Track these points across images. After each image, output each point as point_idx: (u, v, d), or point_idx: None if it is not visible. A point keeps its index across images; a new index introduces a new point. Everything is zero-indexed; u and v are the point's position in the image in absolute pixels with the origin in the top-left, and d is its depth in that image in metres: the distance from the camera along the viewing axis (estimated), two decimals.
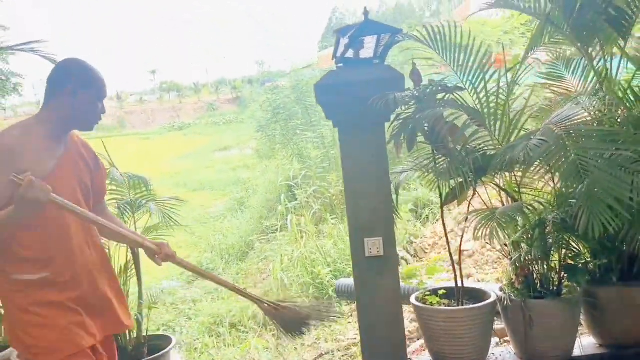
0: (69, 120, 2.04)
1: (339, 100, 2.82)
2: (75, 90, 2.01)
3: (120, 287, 2.29)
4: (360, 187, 2.93)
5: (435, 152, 2.90)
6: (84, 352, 1.99)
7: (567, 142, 2.27)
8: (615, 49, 3.07)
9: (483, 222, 2.60)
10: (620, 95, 2.94)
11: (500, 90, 2.95)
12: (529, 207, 2.79)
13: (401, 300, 3.05)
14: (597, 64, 3.07)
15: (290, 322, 2.37)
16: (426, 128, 2.84)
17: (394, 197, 3.02)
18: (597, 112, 2.77)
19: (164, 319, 7.32)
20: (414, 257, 8.09)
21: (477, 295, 3.09)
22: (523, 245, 2.89)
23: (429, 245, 7.45)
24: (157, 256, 2.16)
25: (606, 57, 3.02)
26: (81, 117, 2.05)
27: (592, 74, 3.09)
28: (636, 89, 3.09)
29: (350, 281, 5.49)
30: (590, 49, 3.04)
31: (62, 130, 2.05)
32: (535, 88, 3.19)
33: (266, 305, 2.36)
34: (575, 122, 2.35)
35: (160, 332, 4.02)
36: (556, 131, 2.33)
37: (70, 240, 2.01)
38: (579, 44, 3.04)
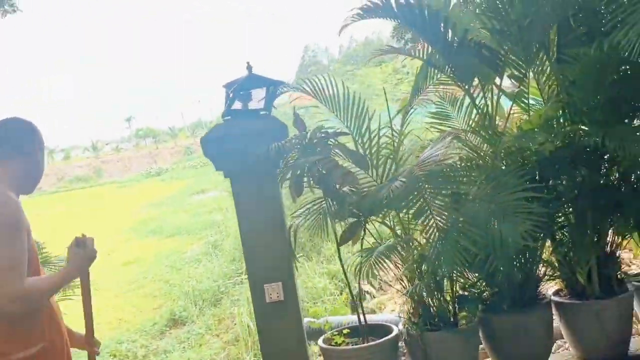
0: (29, 179, 2.03)
1: (226, 152, 2.94)
2: (38, 150, 2.03)
3: None
4: (256, 234, 3.04)
5: (325, 194, 3.01)
6: None
7: (421, 183, 2.39)
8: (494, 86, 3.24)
9: (364, 260, 2.69)
10: (499, 130, 3.09)
11: (388, 133, 3.10)
12: (411, 243, 2.89)
13: (307, 342, 3.12)
14: (480, 102, 3.23)
15: None
16: (316, 173, 2.96)
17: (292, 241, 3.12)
18: (475, 149, 2.93)
19: None
20: (379, 290, 8.16)
21: (384, 331, 3.15)
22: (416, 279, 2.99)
23: (392, 277, 7.54)
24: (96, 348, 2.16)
25: (486, 94, 3.19)
26: (38, 176, 2.07)
27: (474, 111, 3.24)
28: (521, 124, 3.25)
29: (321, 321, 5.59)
30: (471, 88, 3.21)
31: (20, 191, 2.00)
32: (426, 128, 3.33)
33: None
34: (436, 161, 2.46)
35: None
36: (415, 172, 2.45)
37: (52, 307, 2.00)
38: (460, 83, 3.22)
